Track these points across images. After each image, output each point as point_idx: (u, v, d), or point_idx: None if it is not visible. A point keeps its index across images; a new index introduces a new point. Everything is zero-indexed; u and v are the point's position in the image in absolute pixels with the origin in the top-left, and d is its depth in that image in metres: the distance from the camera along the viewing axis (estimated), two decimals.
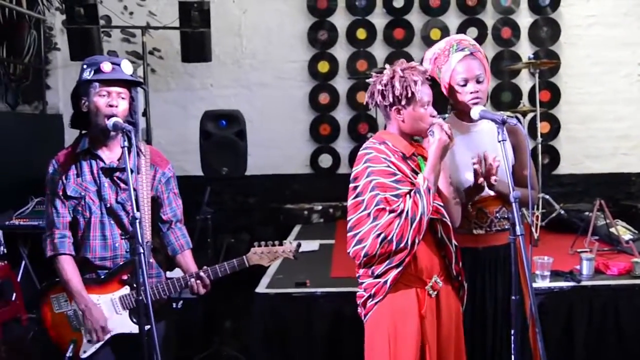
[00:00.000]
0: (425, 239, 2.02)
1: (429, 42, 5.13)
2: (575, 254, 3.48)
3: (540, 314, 1.89)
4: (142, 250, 1.91)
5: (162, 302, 2.31)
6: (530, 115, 4.63)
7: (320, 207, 5.42)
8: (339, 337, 2.98)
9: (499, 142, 1.93)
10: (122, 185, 2.23)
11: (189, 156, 4.76)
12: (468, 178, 2.21)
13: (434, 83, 2.18)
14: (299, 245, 2.38)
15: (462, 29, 5.47)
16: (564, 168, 5.59)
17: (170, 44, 5.45)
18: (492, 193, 2.25)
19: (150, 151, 2.37)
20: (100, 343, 2.20)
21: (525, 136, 2.27)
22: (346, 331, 2.94)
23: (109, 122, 2.12)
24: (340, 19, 5.58)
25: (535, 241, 3.94)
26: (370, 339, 2.10)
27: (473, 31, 5.48)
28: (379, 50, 5.58)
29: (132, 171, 2.02)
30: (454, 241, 2.10)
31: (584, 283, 3.08)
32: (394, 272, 2.00)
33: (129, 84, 2.24)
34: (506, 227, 2.26)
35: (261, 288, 3.17)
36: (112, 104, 2.16)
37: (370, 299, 2.07)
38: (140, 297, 1.93)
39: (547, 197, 4.44)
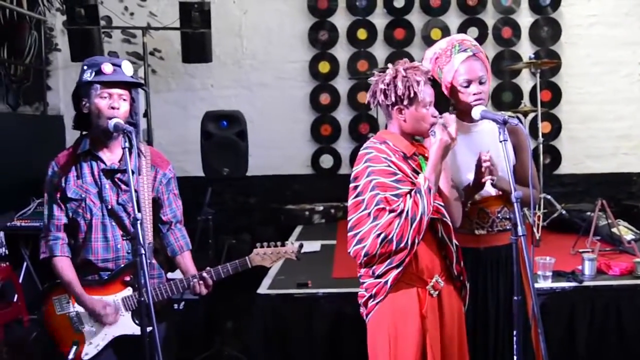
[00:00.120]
0: (425, 238, 2.02)
1: (429, 42, 5.12)
2: (577, 254, 3.48)
3: (542, 315, 1.89)
4: (143, 252, 1.91)
5: (164, 303, 2.30)
6: (531, 115, 4.63)
7: (321, 208, 5.42)
8: (340, 338, 2.98)
9: (501, 142, 1.93)
10: (123, 186, 2.23)
11: (189, 157, 4.77)
12: (469, 178, 2.21)
13: (434, 83, 2.18)
14: (301, 246, 2.37)
15: (462, 29, 5.47)
16: (565, 168, 5.59)
17: (170, 45, 5.45)
18: (493, 193, 2.25)
19: (151, 152, 2.36)
20: (103, 345, 2.21)
21: (526, 136, 2.27)
22: (347, 332, 2.94)
23: (110, 123, 2.11)
24: (341, 19, 5.58)
25: (536, 241, 3.93)
26: (372, 338, 2.10)
27: (474, 31, 5.48)
28: (380, 51, 5.58)
29: (133, 172, 2.02)
30: (454, 241, 2.10)
31: (586, 283, 3.07)
32: (395, 272, 2.00)
33: (130, 85, 2.23)
34: (508, 227, 2.26)
35: (263, 289, 3.17)
36: (114, 105, 2.15)
37: (372, 299, 2.07)
38: (142, 298, 1.93)
39: (549, 197, 4.44)
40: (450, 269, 2.11)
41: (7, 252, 3.90)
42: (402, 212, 1.95)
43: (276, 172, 5.62)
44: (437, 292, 2.07)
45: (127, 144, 2.01)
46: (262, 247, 2.32)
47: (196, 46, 4.82)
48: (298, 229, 5.10)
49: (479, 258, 2.28)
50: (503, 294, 2.26)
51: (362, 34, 5.58)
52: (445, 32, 5.45)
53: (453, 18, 5.54)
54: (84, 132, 2.31)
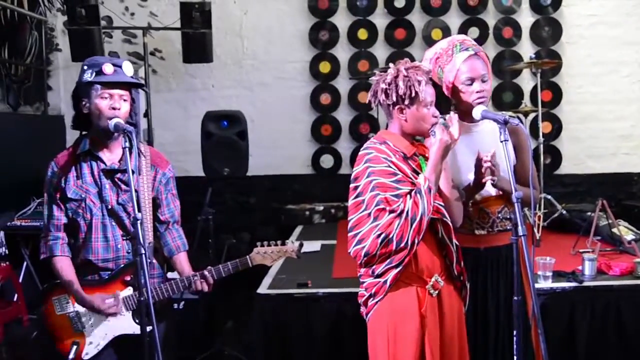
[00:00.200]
0: (426, 238, 2.02)
1: (430, 42, 5.13)
2: (578, 255, 3.48)
3: (542, 315, 1.89)
4: (143, 251, 1.91)
5: (164, 302, 2.31)
6: (531, 115, 4.63)
7: (321, 208, 5.42)
8: (340, 338, 2.98)
9: (501, 142, 1.93)
10: (123, 186, 2.23)
11: (190, 157, 4.77)
12: (469, 178, 2.21)
13: (435, 83, 2.18)
14: (301, 245, 2.38)
15: (463, 29, 5.47)
16: (565, 168, 5.58)
17: (171, 45, 5.45)
18: (493, 193, 2.25)
19: (151, 152, 2.37)
20: (103, 344, 2.21)
21: (527, 136, 2.27)
22: (347, 332, 2.94)
23: (111, 123, 2.11)
24: (342, 19, 5.58)
25: (537, 241, 3.93)
26: (371, 338, 2.11)
27: (474, 31, 5.48)
28: (380, 51, 5.57)
29: (133, 172, 2.02)
30: (454, 241, 2.10)
31: (586, 283, 3.07)
32: (394, 271, 2.00)
33: (130, 86, 2.23)
34: (508, 227, 2.25)
35: (263, 289, 3.17)
36: (115, 106, 2.15)
37: (371, 298, 2.07)
38: (143, 298, 1.93)
39: (549, 197, 4.44)
40: (451, 268, 2.11)
41: (7, 252, 3.91)
42: (402, 212, 1.95)
43: (276, 172, 5.62)
44: (436, 292, 2.07)
45: (127, 144, 2.02)
46: (262, 246, 2.33)
47: (197, 46, 4.82)
48: (298, 229, 5.10)
49: (479, 258, 2.28)
50: (503, 294, 2.26)
51: (362, 34, 5.57)
52: (446, 32, 5.44)
53: (454, 18, 5.53)
54: (83, 132, 2.31)
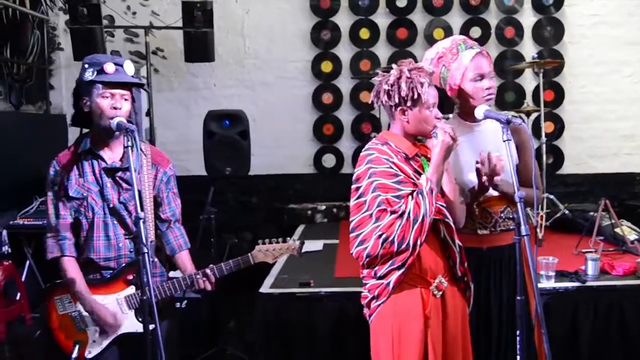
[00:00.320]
0: (428, 239, 2.01)
1: (432, 42, 5.11)
2: (580, 254, 3.48)
3: (545, 315, 1.88)
4: (146, 250, 1.91)
5: (166, 301, 2.31)
6: (534, 115, 4.62)
7: (323, 207, 5.42)
8: (342, 337, 2.98)
9: (504, 141, 1.93)
10: (125, 185, 2.23)
11: (192, 156, 4.77)
12: (472, 179, 2.20)
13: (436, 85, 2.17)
14: (302, 243, 2.38)
15: (465, 29, 5.46)
16: (568, 168, 5.57)
17: (173, 44, 5.45)
18: (495, 193, 2.24)
19: (151, 150, 2.37)
20: (106, 343, 2.21)
21: (529, 136, 2.26)
22: (350, 331, 2.93)
23: (113, 122, 2.11)
24: (343, 19, 5.57)
25: (539, 241, 3.92)
26: (375, 340, 2.10)
27: (476, 31, 5.48)
28: (382, 50, 5.57)
29: (135, 170, 2.02)
30: (457, 242, 2.09)
31: (589, 283, 3.06)
32: (397, 273, 2.00)
33: (131, 85, 2.23)
34: (511, 227, 2.24)
35: (265, 288, 3.16)
36: (116, 106, 2.15)
37: (374, 300, 2.06)
38: (145, 297, 1.93)
39: (552, 197, 4.43)
40: (454, 269, 2.10)
41: (10, 251, 3.90)
42: (403, 213, 1.95)
43: (278, 172, 5.61)
44: (440, 293, 2.06)
45: (129, 143, 2.01)
46: (264, 243, 2.33)
47: (199, 45, 4.82)
48: (300, 228, 5.10)
49: (482, 258, 2.27)
50: (506, 294, 2.25)
51: (364, 33, 5.57)
52: (448, 31, 5.43)
53: (456, 18, 5.53)
54: (84, 131, 2.31)
